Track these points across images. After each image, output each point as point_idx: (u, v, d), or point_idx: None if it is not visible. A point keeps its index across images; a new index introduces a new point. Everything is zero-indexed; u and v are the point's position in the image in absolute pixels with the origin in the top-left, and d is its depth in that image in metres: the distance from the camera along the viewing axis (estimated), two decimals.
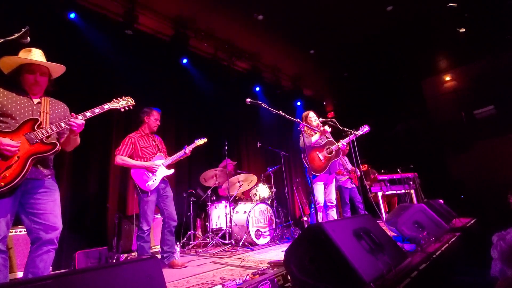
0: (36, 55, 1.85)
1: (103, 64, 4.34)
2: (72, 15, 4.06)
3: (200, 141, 3.29)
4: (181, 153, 3.11)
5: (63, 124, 1.78)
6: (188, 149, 3.13)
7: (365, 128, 3.50)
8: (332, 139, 3.50)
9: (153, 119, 3.10)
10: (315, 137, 3.32)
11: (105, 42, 4.38)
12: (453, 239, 2.71)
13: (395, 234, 2.84)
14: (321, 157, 3.35)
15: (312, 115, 3.59)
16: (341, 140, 3.43)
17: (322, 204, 3.34)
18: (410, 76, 7.26)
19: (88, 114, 1.87)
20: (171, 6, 4.83)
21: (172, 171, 3.08)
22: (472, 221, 3.75)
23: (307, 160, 3.00)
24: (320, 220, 3.20)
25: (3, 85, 1.77)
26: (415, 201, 5.36)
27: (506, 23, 5.49)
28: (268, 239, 4.07)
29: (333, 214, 3.37)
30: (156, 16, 4.92)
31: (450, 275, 2.22)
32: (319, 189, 3.33)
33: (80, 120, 1.81)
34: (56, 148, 1.75)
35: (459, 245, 2.71)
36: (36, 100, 1.83)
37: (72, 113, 1.85)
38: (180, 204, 4.36)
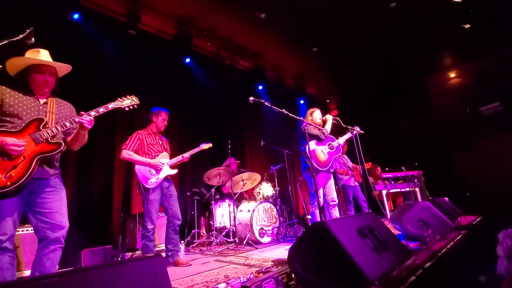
0: (44, 55, 1.87)
1: (107, 64, 4.37)
2: (76, 16, 4.09)
3: (205, 146, 3.40)
4: (179, 157, 3.15)
5: (68, 124, 1.79)
6: (188, 153, 3.18)
7: (357, 128, 3.49)
8: (332, 136, 3.57)
9: (161, 119, 3.15)
10: (328, 126, 3.49)
11: (108, 42, 4.40)
12: (459, 237, 2.69)
13: (400, 232, 2.82)
14: (325, 152, 3.36)
15: (317, 112, 3.60)
16: (340, 137, 3.53)
17: (322, 202, 3.33)
18: (414, 73, 7.18)
19: (92, 113, 1.88)
20: (174, 5, 4.84)
21: (175, 171, 3.10)
22: (478, 219, 3.72)
23: (309, 155, 3.00)
24: (318, 218, 3.22)
25: (10, 85, 1.79)
26: (420, 199, 5.32)
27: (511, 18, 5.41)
28: (272, 237, 4.08)
29: (336, 213, 3.37)
30: (158, 16, 4.94)
31: (456, 273, 2.20)
32: (327, 186, 3.36)
33: (89, 117, 1.83)
34: (61, 148, 1.77)
35: (464, 243, 2.68)
36: (42, 100, 1.85)
37: (82, 112, 1.87)
38: (184, 203, 4.38)
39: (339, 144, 3.50)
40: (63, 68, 1.94)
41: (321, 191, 3.30)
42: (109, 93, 4.28)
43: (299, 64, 7.16)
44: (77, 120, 1.81)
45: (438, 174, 6.21)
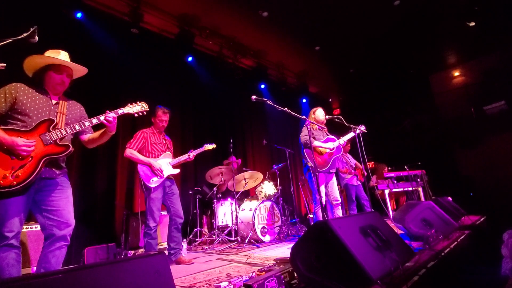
0: (64, 57, 1.91)
1: (109, 63, 4.38)
2: (79, 15, 4.11)
3: (209, 146, 3.38)
4: (185, 156, 3.15)
5: (77, 127, 1.82)
6: (193, 154, 3.18)
7: (362, 127, 3.40)
8: (333, 137, 3.56)
9: (158, 120, 3.13)
10: (317, 143, 3.36)
11: (111, 41, 4.42)
12: (462, 237, 2.67)
13: (403, 232, 2.81)
14: (324, 153, 3.36)
15: (320, 110, 3.59)
16: (341, 137, 3.48)
17: (324, 201, 3.34)
18: (418, 71, 7.13)
19: (102, 118, 1.89)
20: (176, 4, 4.84)
21: (177, 170, 3.11)
22: (481, 219, 3.68)
23: (312, 157, 2.99)
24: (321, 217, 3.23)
25: (24, 81, 1.81)
26: (422, 198, 5.29)
27: None
28: (274, 236, 4.08)
29: (339, 212, 3.36)
30: (161, 15, 4.94)
31: (459, 273, 2.19)
32: (328, 186, 3.36)
33: (113, 114, 1.89)
34: (69, 150, 1.79)
35: (468, 243, 2.66)
36: (54, 101, 1.87)
37: (107, 110, 1.91)
38: (186, 201, 4.39)
39: (340, 144, 3.46)
40: (80, 71, 1.98)
41: (323, 190, 3.29)
42: (112, 92, 4.31)
43: (302, 63, 7.14)
44: (93, 122, 1.87)
45: (442, 174, 6.17)
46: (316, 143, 3.33)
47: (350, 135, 3.44)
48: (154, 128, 3.17)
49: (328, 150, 3.36)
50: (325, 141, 3.44)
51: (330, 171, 3.40)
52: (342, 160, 4.96)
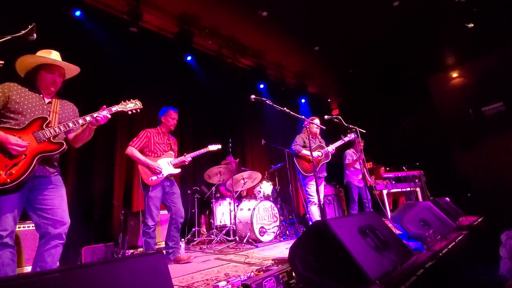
0: (55, 56, 1.90)
1: (108, 62, 4.36)
2: (78, 13, 4.09)
3: (213, 147, 3.46)
4: (182, 158, 3.14)
5: (71, 124, 1.82)
6: (190, 155, 3.20)
7: (352, 135, 3.72)
8: (322, 143, 3.78)
9: (170, 119, 3.16)
10: (305, 152, 3.58)
11: (110, 40, 4.40)
12: (460, 237, 2.68)
13: (401, 232, 2.81)
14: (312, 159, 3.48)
15: (315, 121, 3.72)
16: (330, 145, 3.70)
17: (317, 201, 3.40)
18: (417, 72, 7.15)
19: (95, 115, 1.89)
20: (176, 3, 4.83)
21: (178, 170, 3.11)
22: (479, 220, 3.70)
23: (300, 165, 3.41)
24: (317, 216, 3.38)
25: (14, 80, 1.81)
26: (420, 199, 5.30)
27: None
28: (272, 236, 4.08)
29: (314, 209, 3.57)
30: (160, 14, 4.92)
31: (457, 274, 2.20)
32: (312, 187, 3.54)
33: (105, 112, 1.89)
34: (63, 148, 1.79)
35: (466, 243, 2.67)
36: (47, 100, 1.87)
37: (104, 106, 1.93)
38: (184, 201, 4.35)
39: (328, 151, 3.64)
40: (72, 70, 1.98)
41: (315, 191, 3.38)
42: (110, 91, 4.29)
43: (301, 63, 7.13)
44: (86, 119, 1.86)
45: (440, 174, 6.19)
46: (304, 152, 3.58)
47: (340, 142, 3.72)
48: (161, 128, 3.18)
49: (311, 159, 3.49)
50: (315, 148, 3.66)
51: (319, 175, 3.62)
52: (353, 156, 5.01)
